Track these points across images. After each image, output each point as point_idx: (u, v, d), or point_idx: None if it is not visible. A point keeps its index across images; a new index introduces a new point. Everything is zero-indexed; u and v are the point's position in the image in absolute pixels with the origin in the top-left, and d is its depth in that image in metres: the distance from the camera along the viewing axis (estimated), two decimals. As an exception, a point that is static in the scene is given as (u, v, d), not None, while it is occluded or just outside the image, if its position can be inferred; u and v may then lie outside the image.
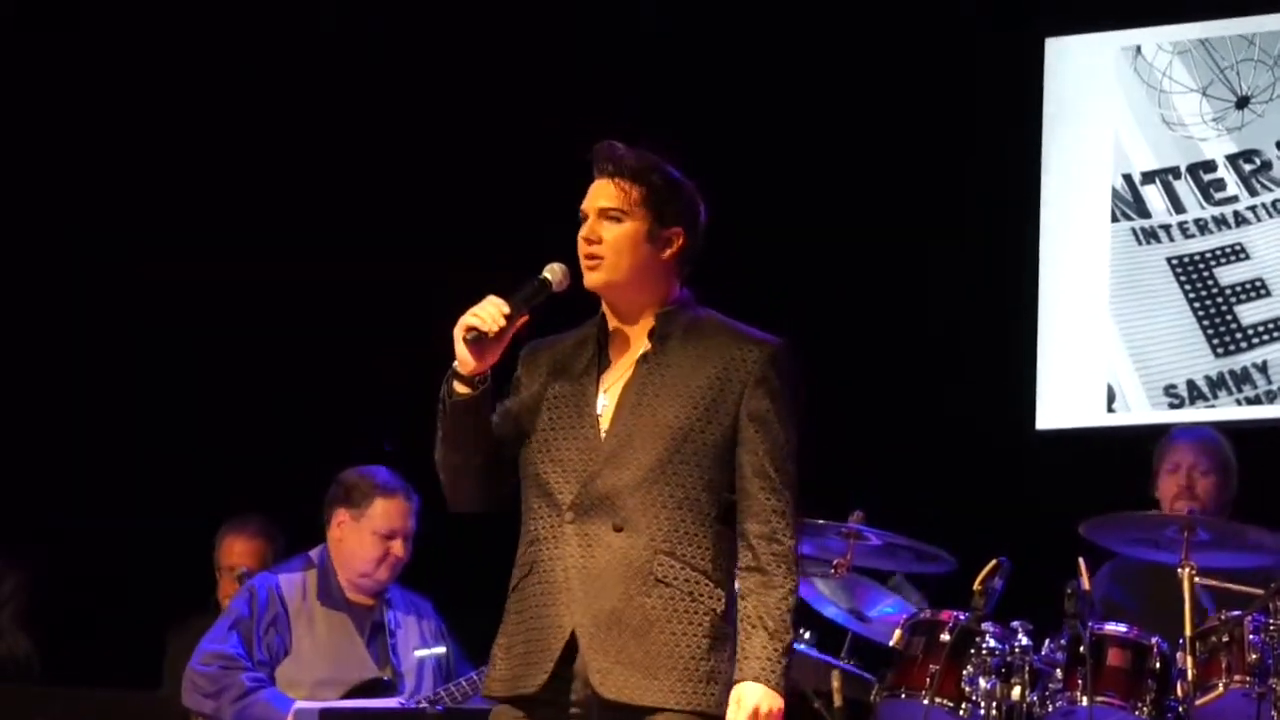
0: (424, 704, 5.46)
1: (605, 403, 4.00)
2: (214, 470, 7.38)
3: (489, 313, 3.92)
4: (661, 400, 3.97)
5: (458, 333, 3.93)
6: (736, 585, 3.96)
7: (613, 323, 4.08)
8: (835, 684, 5.88)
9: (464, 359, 3.93)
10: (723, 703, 3.89)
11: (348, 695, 5.73)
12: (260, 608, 5.79)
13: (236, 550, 6.74)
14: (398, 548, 5.88)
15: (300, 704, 5.56)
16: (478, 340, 3.92)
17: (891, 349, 7.35)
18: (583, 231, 4.03)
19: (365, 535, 5.87)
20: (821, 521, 5.78)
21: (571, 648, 3.91)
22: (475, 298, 3.97)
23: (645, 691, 3.87)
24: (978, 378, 7.16)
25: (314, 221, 7.66)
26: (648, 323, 4.05)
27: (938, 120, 7.37)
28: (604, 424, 3.98)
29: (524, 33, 7.65)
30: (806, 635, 5.98)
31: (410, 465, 5.70)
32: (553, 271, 4.02)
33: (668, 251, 4.04)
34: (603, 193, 4.03)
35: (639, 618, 3.89)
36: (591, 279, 4.02)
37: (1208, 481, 6.14)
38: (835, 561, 5.87)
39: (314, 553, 5.99)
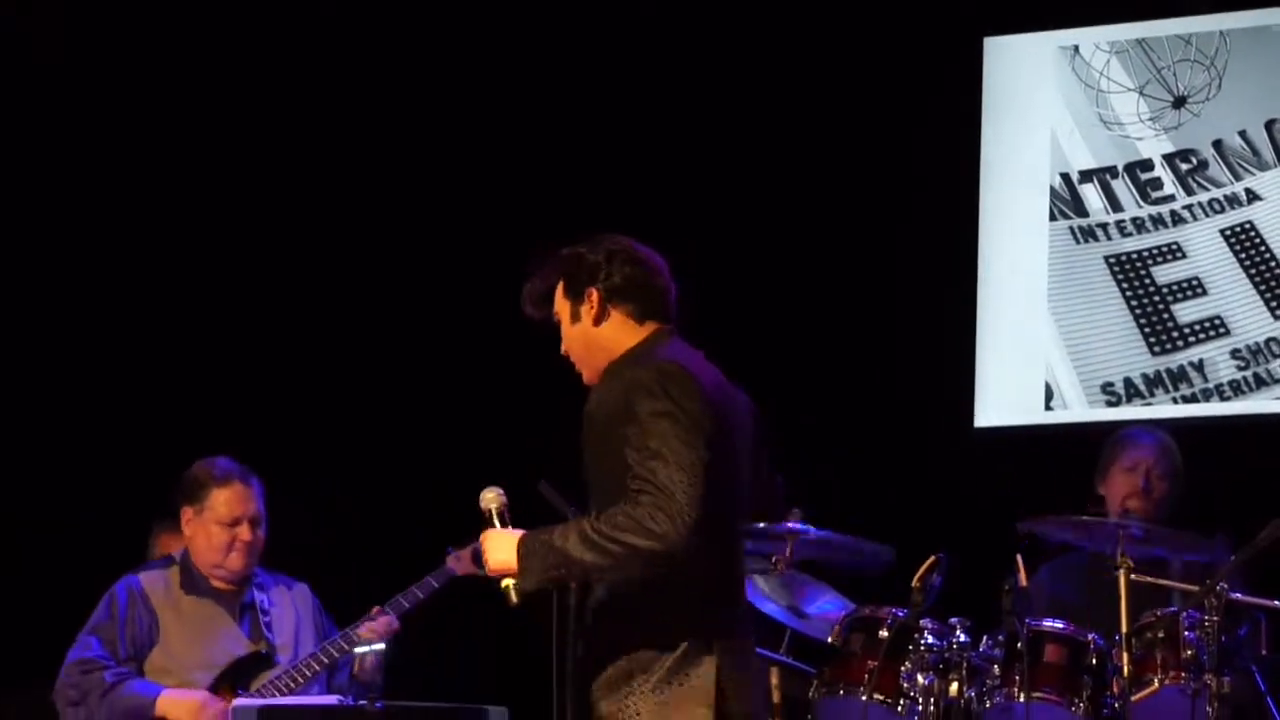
0: (364, 702, 5.45)
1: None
2: (145, 466, 7.35)
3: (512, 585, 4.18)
4: (591, 455, 4.22)
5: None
6: None
7: None
8: (774, 680, 5.88)
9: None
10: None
11: (223, 673, 5.73)
12: (120, 608, 5.83)
13: (171, 548, 6.72)
14: (244, 533, 5.88)
15: (239, 701, 5.56)
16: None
17: (830, 347, 7.36)
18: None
19: (210, 526, 5.88)
20: (761, 526, 5.78)
21: None
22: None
23: None
24: (916, 375, 7.18)
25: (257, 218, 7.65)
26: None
27: (876, 119, 7.39)
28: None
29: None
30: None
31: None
32: (488, 500, 4.33)
33: (592, 313, 4.28)
34: (542, 315, 4.36)
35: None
36: (587, 380, 4.32)
37: (1164, 485, 6.17)
38: (774, 558, 5.88)
39: (176, 553, 6.04)
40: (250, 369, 7.58)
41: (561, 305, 4.32)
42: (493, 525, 4.26)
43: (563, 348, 4.35)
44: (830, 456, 7.12)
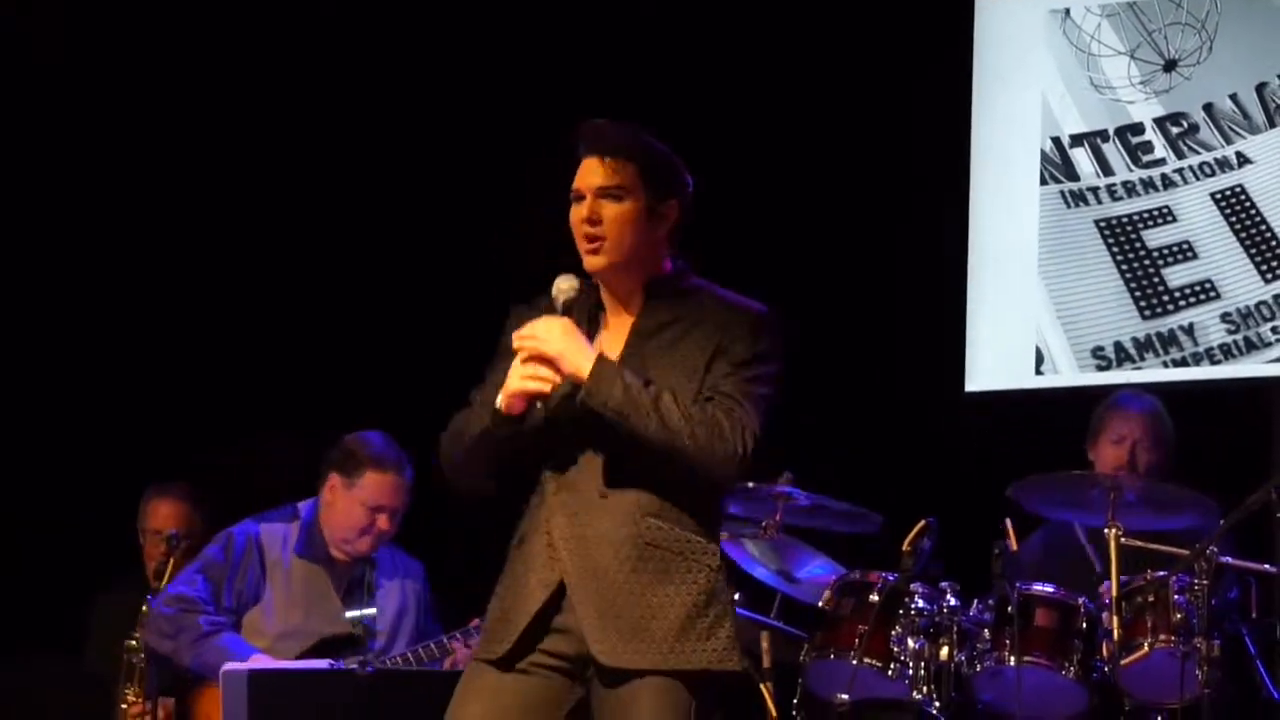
0: (353, 665, 5.45)
1: None
2: (135, 436, 7.35)
3: (545, 374, 3.91)
4: (653, 371, 3.97)
5: (516, 393, 3.90)
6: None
7: (606, 295, 4.10)
8: (764, 645, 5.89)
9: (512, 407, 3.93)
10: (723, 659, 3.92)
11: (313, 648, 5.73)
12: (235, 554, 5.81)
13: (161, 513, 6.74)
14: (384, 521, 5.88)
15: (229, 666, 5.55)
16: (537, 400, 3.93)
17: (820, 311, 7.35)
18: (581, 213, 4.02)
19: (354, 504, 5.87)
20: (750, 484, 5.79)
21: (550, 611, 3.93)
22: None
23: (640, 654, 3.89)
24: (907, 340, 7.18)
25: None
26: (640, 296, 4.07)
27: (867, 83, 7.37)
28: None
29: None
30: (738, 596, 5.99)
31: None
32: (563, 290, 4.01)
33: (664, 226, 4.07)
34: (597, 171, 4.02)
35: (631, 582, 3.91)
36: (594, 261, 4.03)
37: (1151, 455, 6.17)
38: (764, 523, 5.89)
39: (302, 505, 5.99)
40: (256, 367, 7.54)
41: (632, 184, 4.00)
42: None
43: (595, 213, 3.99)
44: (821, 421, 7.12)
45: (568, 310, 3.98)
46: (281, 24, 7.62)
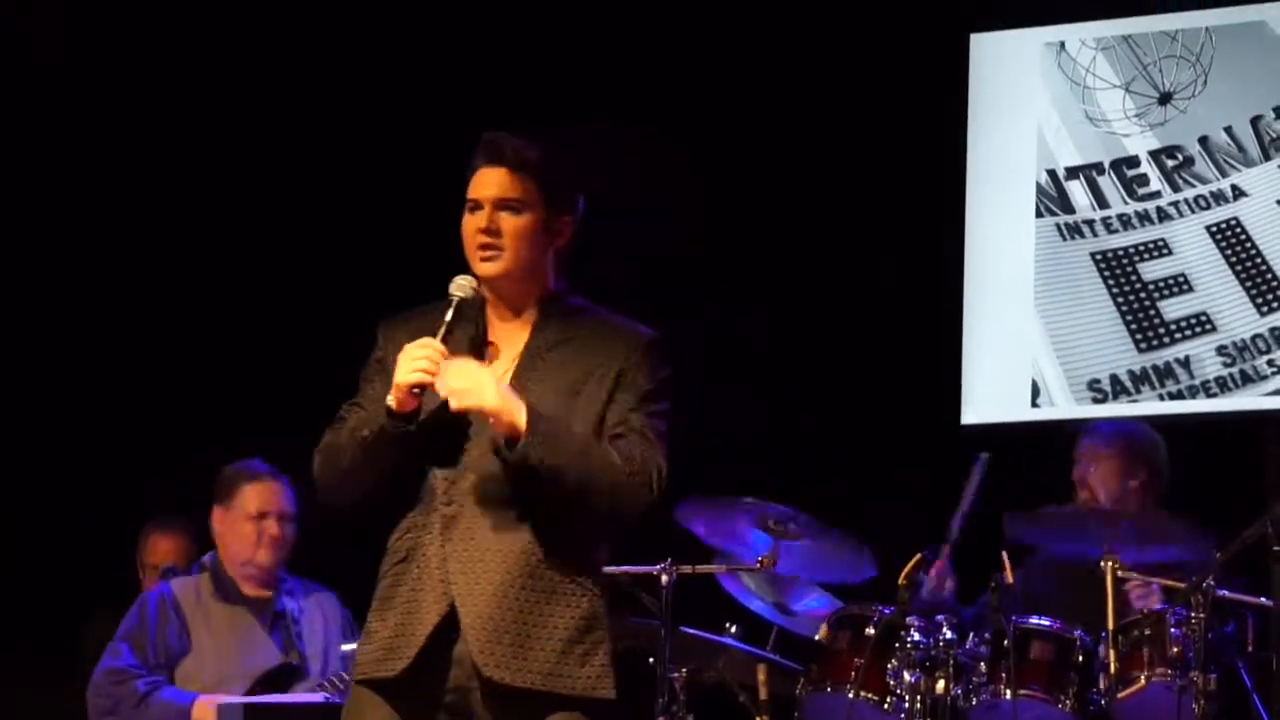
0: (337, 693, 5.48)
1: None
2: (134, 467, 7.34)
3: (432, 361, 3.88)
4: (544, 388, 3.97)
5: (404, 384, 3.87)
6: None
7: (491, 308, 4.07)
8: (761, 677, 5.89)
9: (404, 404, 3.90)
10: (596, 685, 3.91)
11: (256, 684, 5.75)
12: (150, 616, 5.86)
13: (161, 549, 6.77)
14: (272, 527, 5.94)
15: (224, 699, 5.56)
16: (423, 391, 3.89)
17: (817, 344, 7.36)
18: (477, 222, 4.01)
19: (239, 521, 5.96)
20: (749, 507, 5.80)
21: (444, 634, 3.90)
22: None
23: (521, 673, 3.87)
24: (903, 373, 7.17)
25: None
26: (529, 313, 4.06)
27: (863, 115, 7.38)
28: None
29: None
30: (734, 629, 5.99)
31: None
32: (461, 288, 3.99)
33: (559, 241, 4.07)
34: (498, 182, 4.01)
35: (520, 600, 3.89)
36: (488, 269, 4.01)
37: (1125, 480, 6.17)
38: (761, 556, 5.88)
39: (206, 558, 6.08)
40: (258, 371, 7.54)
41: (532, 198, 4.00)
42: (451, 319, 3.94)
43: (493, 223, 3.98)
44: (817, 454, 7.12)
45: (460, 310, 3.96)
46: (278, 26, 7.63)
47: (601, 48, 7.52)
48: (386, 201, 7.56)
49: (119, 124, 7.62)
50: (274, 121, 7.64)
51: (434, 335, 3.95)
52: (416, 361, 3.88)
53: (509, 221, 4.00)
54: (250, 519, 5.94)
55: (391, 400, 3.89)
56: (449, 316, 3.96)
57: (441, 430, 3.94)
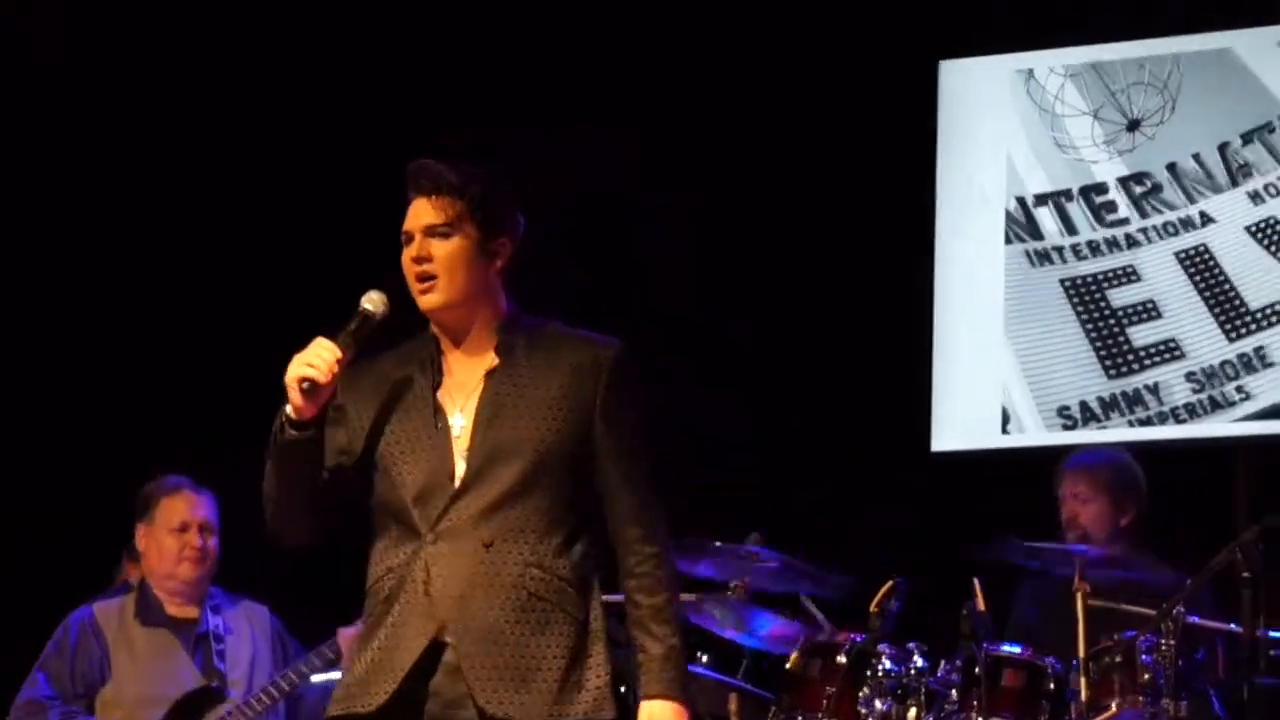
0: None
1: (462, 422, 3.96)
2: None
3: (324, 361, 3.87)
4: (519, 413, 3.95)
5: (291, 380, 3.87)
6: (623, 591, 3.99)
7: (445, 341, 4.04)
8: (732, 706, 5.88)
9: (298, 406, 3.88)
10: (595, 709, 3.90)
11: (173, 710, 5.70)
12: (70, 642, 5.81)
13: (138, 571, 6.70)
14: (193, 538, 5.88)
15: None
16: (312, 389, 3.87)
17: (788, 371, 7.36)
18: (410, 252, 3.98)
19: (161, 535, 5.90)
20: (719, 544, 5.78)
21: (428, 663, 3.88)
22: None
23: (525, 707, 3.86)
24: (874, 399, 7.18)
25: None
26: (488, 338, 4.02)
27: (832, 142, 7.40)
28: (462, 444, 3.94)
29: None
30: (704, 658, 5.97)
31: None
32: (372, 301, 3.96)
33: (498, 263, 4.02)
34: (425, 211, 3.98)
35: (515, 633, 3.88)
36: (428, 300, 3.98)
37: (1091, 509, 6.18)
38: (733, 583, 5.88)
39: (133, 577, 6.05)
40: (231, 379, 7.51)
41: (460, 221, 3.96)
42: (360, 329, 3.92)
43: (424, 251, 3.95)
44: (787, 481, 7.12)
45: (364, 323, 3.93)
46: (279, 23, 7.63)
47: (594, 58, 7.53)
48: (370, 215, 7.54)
49: (119, 124, 7.60)
50: (253, 147, 7.64)
51: (393, 384, 3.97)
52: (307, 357, 3.87)
53: (439, 247, 3.96)
54: (171, 532, 5.86)
55: (289, 407, 3.88)
56: (351, 325, 3.93)
57: (415, 476, 3.93)
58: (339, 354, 3.89)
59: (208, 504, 5.92)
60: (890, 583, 5.58)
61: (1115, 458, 6.33)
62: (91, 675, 5.77)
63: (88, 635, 5.81)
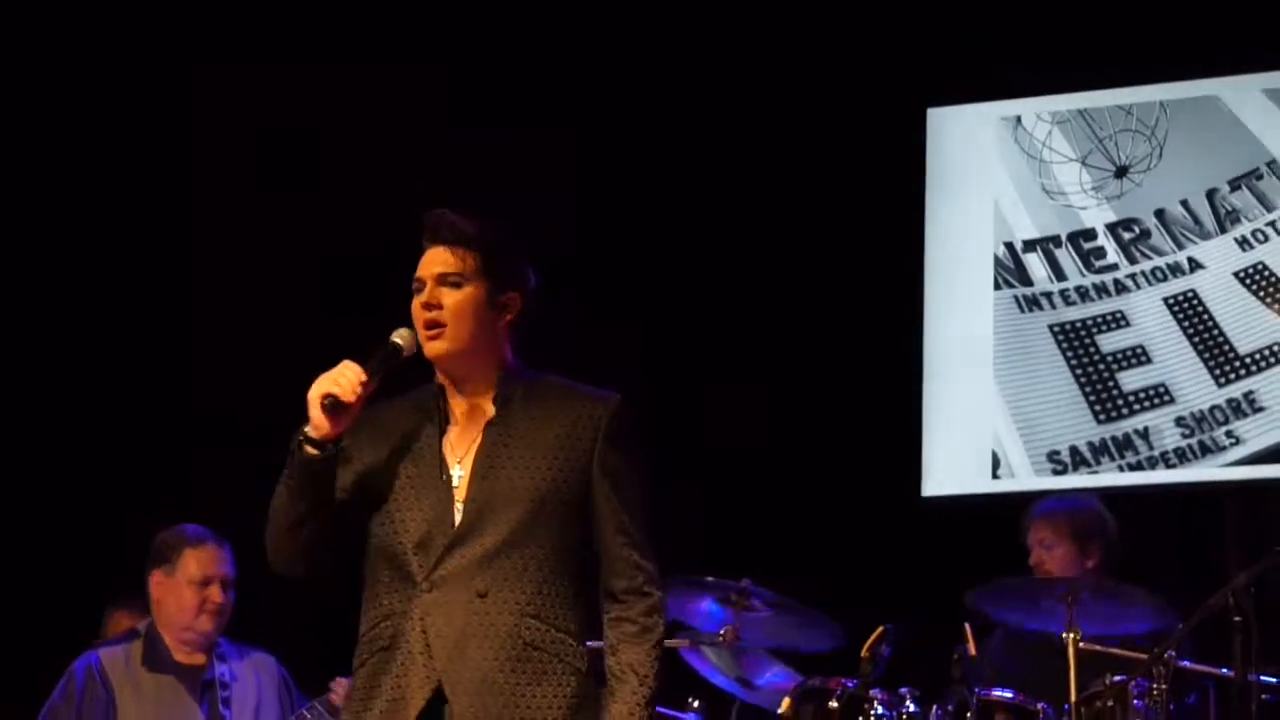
0: None
1: (461, 473, 3.99)
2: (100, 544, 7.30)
3: (348, 381, 3.92)
4: (515, 465, 3.98)
5: (314, 397, 3.91)
6: (603, 640, 3.99)
7: (451, 391, 4.07)
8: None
9: (319, 424, 3.92)
10: None
11: None
12: (77, 690, 5.78)
13: (124, 625, 6.67)
14: (215, 593, 5.86)
15: None
16: (335, 407, 3.90)
17: (777, 417, 7.36)
18: (421, 299, 4.03)
19: (181, 587, 5.86)
20: (710, 580, 5.78)
21: (429, 716, 3.88)
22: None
23: None
24: (863, 445, 7.18)
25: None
26: (489, 388, 4.05)
27: (819, 189, 7.41)
28: (460, 495, 3.97)
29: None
30: (695, 704, 5.96)
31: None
32: (403, 337, 4.02)
33: (506, 316, 4.06)
34: (439, 259, 4.03)
35: (511, 683, 3.89)
36: (434, 347, 4.02)
37: (1056, 554, 6.19)
38: (722, 630, 5.86)
39: (140, 624, 6.00)
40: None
41: (472, 272, 4.01)
42: (388, 360, 3.98)
43: (434, 298, 4.00)
44: (778, 527, 7.11)
45: (390, 354, 3.99)
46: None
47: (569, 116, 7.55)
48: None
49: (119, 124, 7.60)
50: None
51: (399, 430, 4.01)
52: (332, 375, 3.91)
53: (450, 296, 4.01)
54: (193, 585, 5.85)
55: (310, 428, 3.91)
56: (379, 354, 3.99)
57: (412, 524, 3.95)
58: (363, 376, 3.93)
59: (229, 558, 5.91)
60: (881, 628, 5.57)
61: (1076, 504, 6.34)
62: None
63: (94, 681, 5.79)
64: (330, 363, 3.97)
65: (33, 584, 7.35)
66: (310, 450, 3.92)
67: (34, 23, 7.54)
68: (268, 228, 7.52)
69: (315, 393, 3.91)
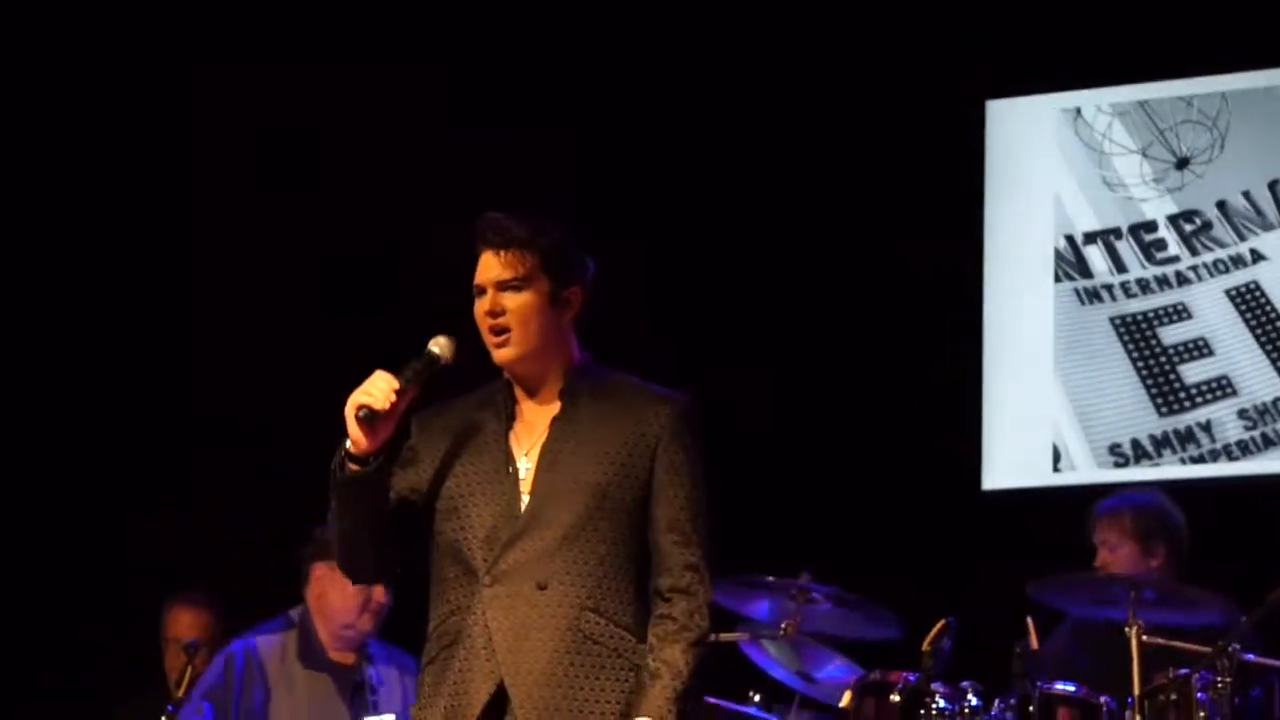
0: None
1: (527, 466, 4.01)
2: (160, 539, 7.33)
3: (380, 390, 3.91)
4: (579, 459, 3.99)
5: (349, 411, 3.91)
6: (650, 632, 3.98)
7: (518, 388, 4.09)
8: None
9: (356, 438, 3.92)
10: None
11: None
12: (237, 674, 5.76)
13: (183, 622, 6.71)
14: (379, 593, 5.83)
15: None
16: (370, 419, 3.91)
17: (839, 411, 7.36)
18: (484, 306, 4.03)
19: (346, 584, 5.77)
20: (770, 580, 5.78)
21: (494, 710, 3.91)
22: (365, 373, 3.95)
23: None
24: (924, 439, 7.17)
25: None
26: (556, 384, 4.07)
27: (880, 183, 7.40)
28: (525, 486, 3.99)
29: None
30: (756, 698, 5.96)
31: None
32: (440, 345, 4.01)
33: (569, 312, 4.07)
34: (497, 265, 4.03)
35: (569, 675, 3.91)
36: (503, 354, 4.03)
37: (1120, 555, 6.16)
38: (783, 623, 5.87)
39: (294, 612, 5.95)
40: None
41: (532, 273, 4.01)
42: (424, 370, 3.96)
43: (497, 305, 4.00)
44: (839, 521, 7.11)
45: (429, 364, 3.97)
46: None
47: (609, 113, 7.55)
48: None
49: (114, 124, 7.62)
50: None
51: (467, 427, 4.02)
52: (365, 388, 3.91)
53: (512, 300, 4.02)
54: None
55: (349, 444, 3.92)
56: (416, 364, 3.97)
57: (472, 519, 3.97)
58: (396, 384, 3.93)
59: None
60: (942, 621, 5.56)
61: (1141, 501, 6.28)
62: (254, 711, 5.72)
63: (253, 670, 5.76)
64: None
65: (33, 584, 7.37)
66: (352, 467, 3.94)
67: (34, 23, 7.57)
68: (268, 228, 7.53)
69: (350, 408, 3.91)
